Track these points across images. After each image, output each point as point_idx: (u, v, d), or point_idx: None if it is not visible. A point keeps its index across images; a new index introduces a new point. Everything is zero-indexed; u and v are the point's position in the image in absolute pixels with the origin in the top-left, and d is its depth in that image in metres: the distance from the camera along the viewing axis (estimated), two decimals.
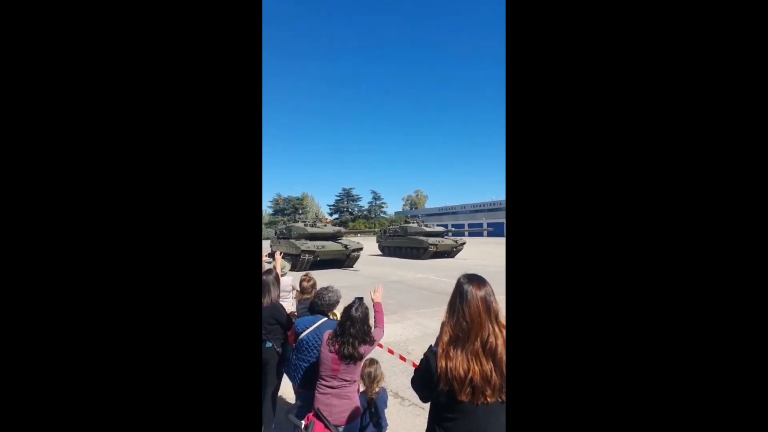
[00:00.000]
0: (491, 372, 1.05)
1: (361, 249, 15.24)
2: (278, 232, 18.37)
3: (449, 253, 20.35)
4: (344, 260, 15.35)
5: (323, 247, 14.26)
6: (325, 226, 16.38)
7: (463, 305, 1.11)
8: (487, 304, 1.11)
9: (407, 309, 6.93)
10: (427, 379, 1.11)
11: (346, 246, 14.72)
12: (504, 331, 1.10)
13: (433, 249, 18.99)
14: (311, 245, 14.10)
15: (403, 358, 3.75)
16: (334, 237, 15.84)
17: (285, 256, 16.59)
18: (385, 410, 2.21)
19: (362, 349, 1.88)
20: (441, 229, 20.64)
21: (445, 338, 1.11)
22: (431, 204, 76.17)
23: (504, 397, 1.05)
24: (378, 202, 69.00)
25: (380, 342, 2.22)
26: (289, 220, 17.75)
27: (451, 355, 1.07)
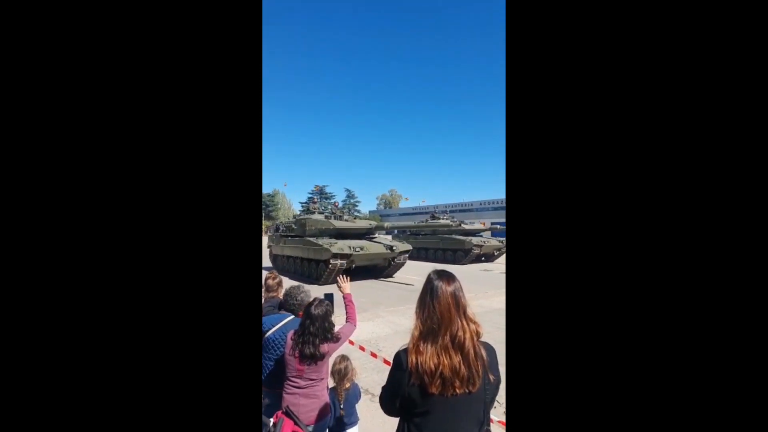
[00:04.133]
0: (460, 364, 1.06)
1: (408, 251, 10.84)
2: (278, 228, 13.43)
3: (490, 256, 16.42)
4: (385, 267, 10.88)
5: (361, 249, 9.72)
6: (355, 218, 11.78)
7: (434, 301, 1.11)
8: (456, 299, 1.12)
9: (378, 307, 7.01)
10: (396, 378, 1.11)
11: (391, 248, 10.28)
12: (471, 325, 1.12)
13: (476, 251, 14.99)
14: (344, 246, 9.52)
15: (374, 355, 3.87)
16: (369, 233, 11.30)
17: (290, 262, 12.20)
18: (357, 406, 2.19)
19: (325, 347, 1.81)
20: (480, 226, 16.52)
21: (416, 333, 1.12)
22: (406, 203, 73.37)
23: (471, 388, 1.07)
24: (352, 201, 65.50)
25: (351, 338, 2.23)
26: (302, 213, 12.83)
27: (422, 349, 1.08)
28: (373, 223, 11.12)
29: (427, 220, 17.28)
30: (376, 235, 11.52)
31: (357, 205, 65.52)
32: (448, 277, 1.15)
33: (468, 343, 1.08)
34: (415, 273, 11.01)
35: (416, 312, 1.15)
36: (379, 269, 10.94)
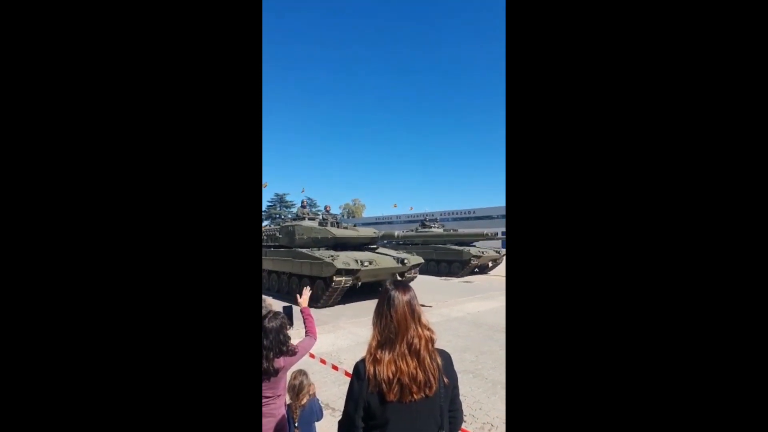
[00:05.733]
0: (416, 370, 1.08)
1: (420, 265, 9.26)
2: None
3: (485, 267, 15.28)
4: None
5: (370, 263, 7.99)
6: (354, 226, 9.97)
7: (391, 310, 1.12)
8: (412, 308, 1.14)
9: (339, 319, 6.84)
10: (356, 389, 1.10)
11: (402, 261, 8.65)
12: (426, 332, 1.14)
13: (474, 262, 13.75)
14: (349, 260, 7.76)
15: (335, 368, 3.77)
16: (372, 244, 9.58)
17: (273, 279, 9.98)
18: (317, 424, 2.08)
19: (280, 362, 1.73)
20: (480, 230, 14.97)
21: (374, 343, 1.13)
22: (371, 213, 71.75)
23: (428, 392, 1.09)
24: (313, 210, 62.46)
25: (312, 352, 2.23)
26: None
27: (379, 357, 1.09)
28: (378, 232, 9.44)
29: (416, 229, 15.81)
30: (377, 246, 9.83)
31: (318, 215, 62.66)
32: (404, 287, 1.18)
33: (423, 349, 1.11)
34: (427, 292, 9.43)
35: (373, 322, 1.16)
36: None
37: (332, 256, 7.83)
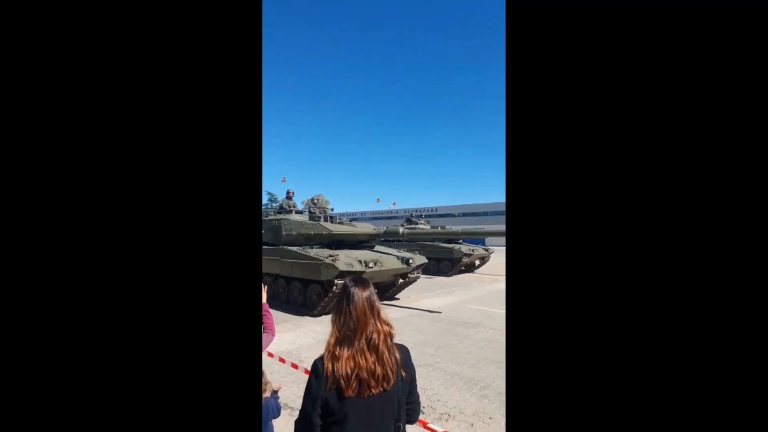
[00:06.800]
0: (375, 364, 1.08)
1: (423, 265, 8.34)
2: None
3: (471, 266, 14.69)
4: (390, 286, 8.23)
5: (375, 264, 6.95)
6: (349, 221, 8.79)
7: (350, 306, 1.13)
8: (371, 303, 1.15)
9: (302, 317, 6.65)
10: (314, 387, 1.09)
11: (407, 261, 7.68)
12: (385, 327, 1.14)
13: (465, 261, 13.12)
14: (351, 260, 6.68)
15: (295, 366, 3.69)
16: (370, 241, 8.50)
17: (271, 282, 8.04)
18: (275, 421, 1.96)
19: None
20: (459, 228, 14.35)
21: (332, 340, 1.13)
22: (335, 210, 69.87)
23: (386, 386, 1.09)
24: (273, 205, 59.65)
25: (271, 350, 2.07)
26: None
27: (338, 354, 1.09)
28: (380, 229, 8.39)
29: (403, 225, 14.88)
30: (374, 244, 8.78)
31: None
32: (364, 283, 1.18)
33: (382, 344, 1.11)
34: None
35: (332, 319, 1.16)
36: (381, 289, 8.24)
37: (332, 255, 6.69)
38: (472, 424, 2.91)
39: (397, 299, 8.24)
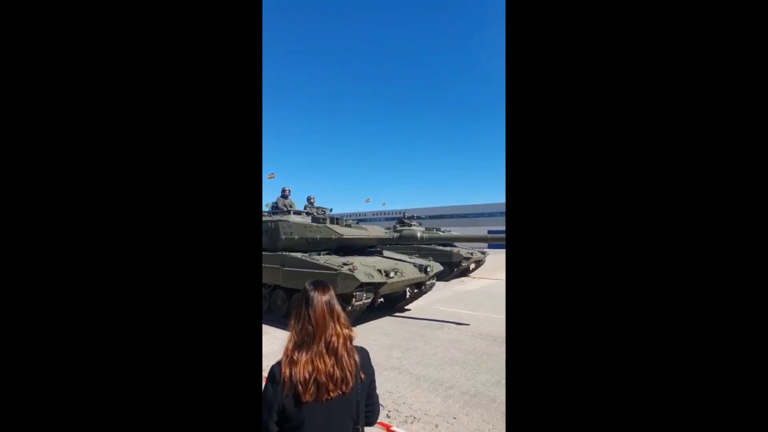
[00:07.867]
0: (333, 368, 1.08)
1: (439, 273, 7.61)
2: None
3: (466, 270, 14.16)
4: (401, 296, 7.45)
5: (395, 274, 6.12)
6: (357, 223, 7.87)
7: (309, 310, 1.13)
8: (331, 307, 1.15)
9: (266, 323, 6.15)
10: (270, 393, 1.07)
11: (425, 269, 6.92)
12: (345, 330, 1.14)
13: (465, 264, 12.57)
14: (370, 270, 5.82)
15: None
16: (379, 245, 7.67)
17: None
18: None
19: None
20: (450, 233, 13.81)
21: (290, 345, 1.12)
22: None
23: (345, 389, 1.09)
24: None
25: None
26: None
27: (296, 359, 1.08)
28: (393, 234, 7.56)
29: (394, 227, 14.12)
30: (381, 250, 7.95)
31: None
32: (324, 287, 1.18)
33: (341, 347, 1.11)
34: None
35: (291, 324, 1.16)
36: (392, 299, 7.43)
37: (347, 264, 5.79)
38: (436, 425, 2.89)
39: (409, 309, 7.47)
